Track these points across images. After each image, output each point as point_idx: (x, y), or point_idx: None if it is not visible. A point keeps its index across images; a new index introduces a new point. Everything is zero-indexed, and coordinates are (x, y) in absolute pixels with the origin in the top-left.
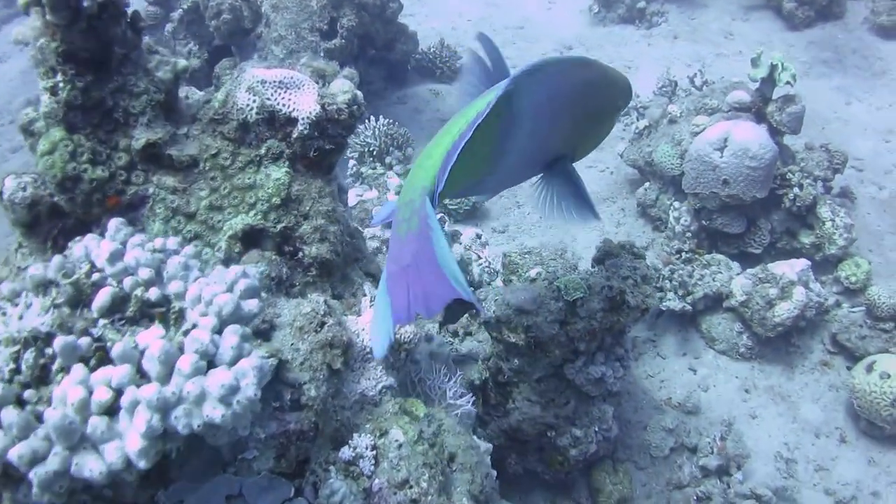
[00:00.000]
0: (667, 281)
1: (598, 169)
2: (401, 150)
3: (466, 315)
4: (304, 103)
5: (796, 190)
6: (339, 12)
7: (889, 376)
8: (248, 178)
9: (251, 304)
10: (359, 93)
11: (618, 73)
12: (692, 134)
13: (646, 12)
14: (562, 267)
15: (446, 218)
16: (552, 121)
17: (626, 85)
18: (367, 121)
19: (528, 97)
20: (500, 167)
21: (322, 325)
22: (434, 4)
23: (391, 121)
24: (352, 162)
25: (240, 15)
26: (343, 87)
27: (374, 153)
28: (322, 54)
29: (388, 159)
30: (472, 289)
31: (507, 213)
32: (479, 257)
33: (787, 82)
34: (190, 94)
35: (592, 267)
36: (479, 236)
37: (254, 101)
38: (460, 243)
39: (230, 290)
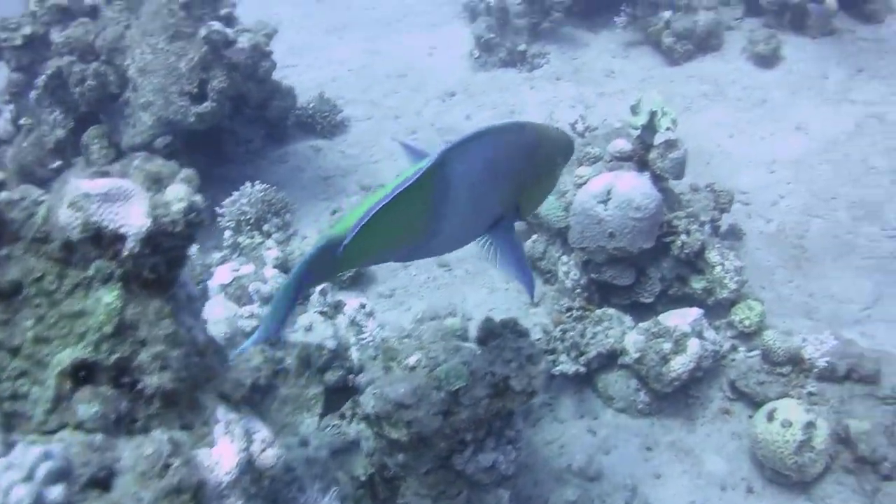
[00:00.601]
0: (559, 342)
1: None
2: (279, 217)
3: (350, 399)
4: (133, 217)
5: (684, 237)
6: (208, 74)
7: (790, 424)
8: (77, 305)
9: (55, 493)
10: (197, 198)
11: (555, 130)
12: (576, 185)
13: (527, 55)
14: (443, 350)
15: (328, 289)
16: (491, 186)
17: (564, 142)
18: (242, 187)
19: (462, 165)
20: (441, 230)
21: (166, 467)
22: (314, 54)
23: (268, 186)
24: (228, 232)
25: (105, 80)
26: (179, 194)
27: (251, 221)
28: (192, 119)
29: (266, 227)
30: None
31: (394, 275)
32: (362, 334)
33: (668, 128)
34: (20, 196)
35: (476, 346)
36: (363, 306)
37: (77, 219)
38: (344, 313)
39: (29, 478)
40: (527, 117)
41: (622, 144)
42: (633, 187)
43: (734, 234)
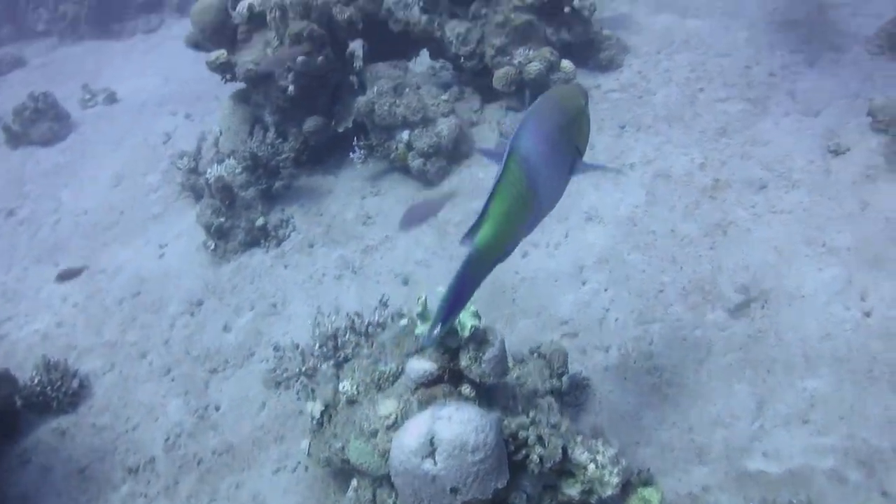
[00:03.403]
0: None
1: (288, 470)
2: None
3: None
4: None
5: (539, 450)
6: None
7: None
8: None
9: None
10: None
11: (565, 86)
12: (386, 428)
13: (268, 228)
14: None
15: None
16: (556, 148)
17: (577, 89)
18: None
19: (530, 145)
20: (542, 197)
21: None
22: (30, 300)
23: None
24: None
25: None
26: None
27: None
28: None
29: None
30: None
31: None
32: None
33: (473, 325)
34: None
35: None
36: None
37: None
38: None
39: None
40: (295, 311)
41: (422, 366)
42: (460, 424)
43: (578, 387)
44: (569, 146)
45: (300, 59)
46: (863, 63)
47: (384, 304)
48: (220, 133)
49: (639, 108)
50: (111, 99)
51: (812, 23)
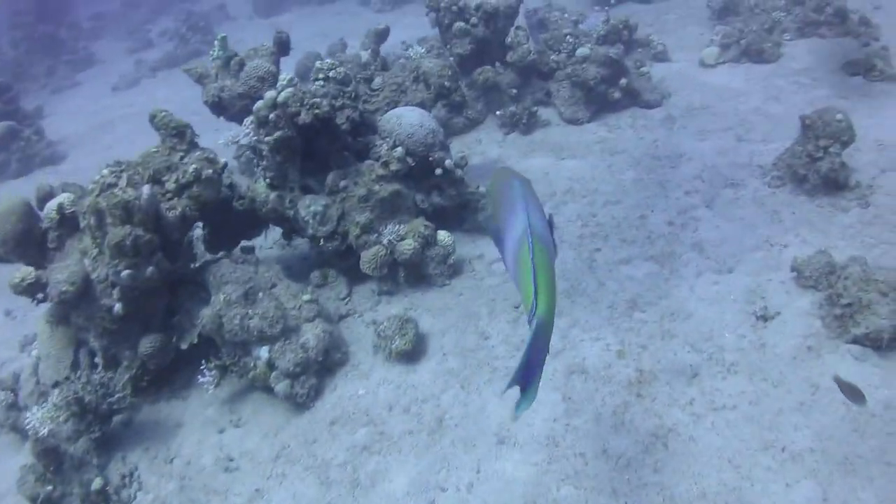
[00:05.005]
0: None
1: None
2: None
3: None
4: None
5: None
6: None
7: None
8: None
9: None
10: None
11: (505, 169)
12: None
13: (108, 491)
14: None
15: None
16: (543, 216)
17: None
18: None
19: (534, 220)
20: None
21: None
22: None
23: None
24: None
25: None
26: None
27: None
28: None
29: None
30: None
31: None
32: None
33: None
34: None
35: None
36: None
37: None
38: None
39: None
40: None
41: None
42: None
43: None
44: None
45: (125, 273)
46: (765, 199)
47: None
48: (39, 360)
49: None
50: None
51: (701, 154)
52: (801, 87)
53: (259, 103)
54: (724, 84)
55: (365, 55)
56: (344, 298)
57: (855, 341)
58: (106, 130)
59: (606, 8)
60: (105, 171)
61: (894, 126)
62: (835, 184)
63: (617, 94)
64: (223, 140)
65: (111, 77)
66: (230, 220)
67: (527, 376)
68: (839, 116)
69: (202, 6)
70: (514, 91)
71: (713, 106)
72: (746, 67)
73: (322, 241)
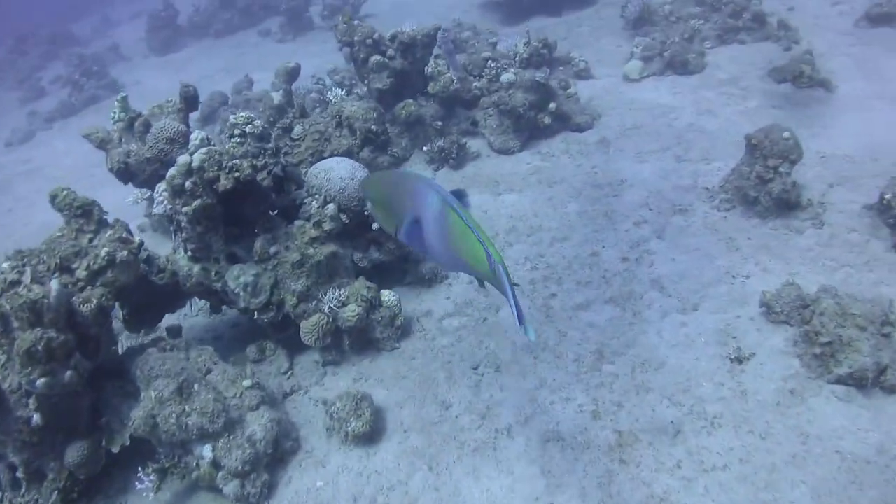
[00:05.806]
0: None
1: None
2: None
3: None
4: None
5: None
6: None
7: None
8: None
9: None
10: None
11: (391, 171)
12: None
13: None
14: None
15: None
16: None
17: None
18: None
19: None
20: None
21: None
22: None
23: None
24: None
25: None
26: None
27: None
28: None
29: None
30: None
31: None
32: None
33: None
34: None
35: None
36: None
37: None
38: None
39: None
40: None
41: None
42: None
43: None
44: None
45: (41, 381)
46: (717, 225)
47: None
48: None
49: (490, 339)
50: None
51: (642, 179)
52: (731, 99)
53: (172, 171)
54: (652, 100)
55: (277, 96)
56: (286, 373)
57: (839, 381)
58: (3, 191)
59: (527, 29)
60: (5, 266)
61: (833, 135)
62: (786, 204)
63: (547, 120)
64: (132, 198)
65: (3, 131)
66: (150, 296)
67: (520, 310)
68: (786, 134)
69: (93, 47)
70: (440, 123)
71: (646, 125)
72: (672, 80)
73: (256, 313)
